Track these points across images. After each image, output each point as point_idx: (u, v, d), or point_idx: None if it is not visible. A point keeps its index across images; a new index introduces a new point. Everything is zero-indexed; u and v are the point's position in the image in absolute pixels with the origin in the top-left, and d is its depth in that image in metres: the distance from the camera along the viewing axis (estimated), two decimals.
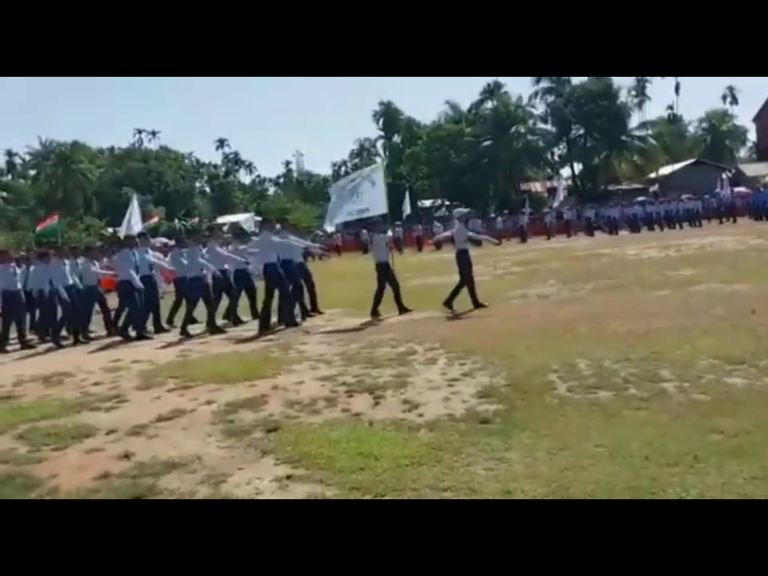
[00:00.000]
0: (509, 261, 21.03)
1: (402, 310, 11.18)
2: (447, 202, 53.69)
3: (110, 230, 44.90)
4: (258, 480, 4.26)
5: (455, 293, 10.94)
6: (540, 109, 56.01)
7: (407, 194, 28.85)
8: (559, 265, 18.10)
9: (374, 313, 11.09)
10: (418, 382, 6.44)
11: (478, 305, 10.84)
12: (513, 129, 53.49)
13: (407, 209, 24.27)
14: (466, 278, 10.99)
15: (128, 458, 4.91)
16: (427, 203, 54.65)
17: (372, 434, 4.92)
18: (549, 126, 55.86)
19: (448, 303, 10.84)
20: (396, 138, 62.53)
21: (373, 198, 11.89)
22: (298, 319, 11.29)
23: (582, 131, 54.52)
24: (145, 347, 10.37)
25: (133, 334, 11.39)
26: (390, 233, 12.13)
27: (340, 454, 4.52)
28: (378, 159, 70.09)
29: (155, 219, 40.08)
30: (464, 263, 11.08)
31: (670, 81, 67.77)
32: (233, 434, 5.27)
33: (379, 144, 68.82)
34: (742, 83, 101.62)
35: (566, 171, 56.49)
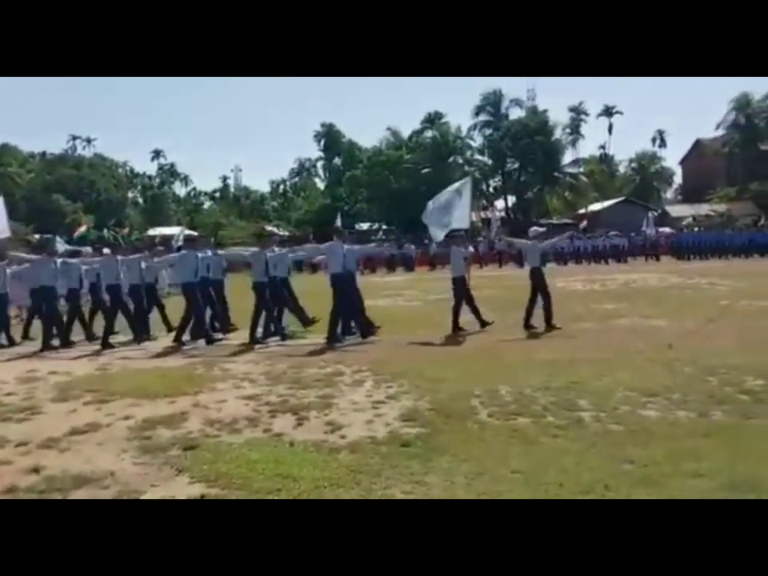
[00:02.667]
0: (441, 287, 21.25)
1: (483, 323, 11.04)
2: (385, 226, 54.01)
3: (37, 236, 43.43)
4: (171, 498, 4.14)
5: (547, 312, 10.78)
6: (478, 141, 57.30)
7: (339, 216, 29.01)
8: (490, 293, 18.39)
9: (456, 328, 10.91)
10: (343, 403, 6.42)
11: (551, 325, 10.65)
12: (451, 158, 54.43)
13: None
14: (542, 294, 10.90)
15: (37, 471, 4.73)
16: (365, 226, 54.85)
17: (292, 455, 4.87)
18: (485, 158, 57.10)
19: (526, 326, 10.74)
20: (336, 160, 62.72)
21: (458, 212, 11.85)
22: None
23: (516, 165, 55.89)
24: (64, 359, 10.03)
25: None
26: (471, 248, 12.01)
27: (258, 474, 4.45)
28: (318, 180, 70.39)
29: (83, 227, 38.97)
30: (538, 281, 10.99)
31: (604, 120, 70.50)
32: (148, 451, 5.14)
33: (320, 165, 68.94)
34: (671, 127, 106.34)
35: (500, 203, 57.67)
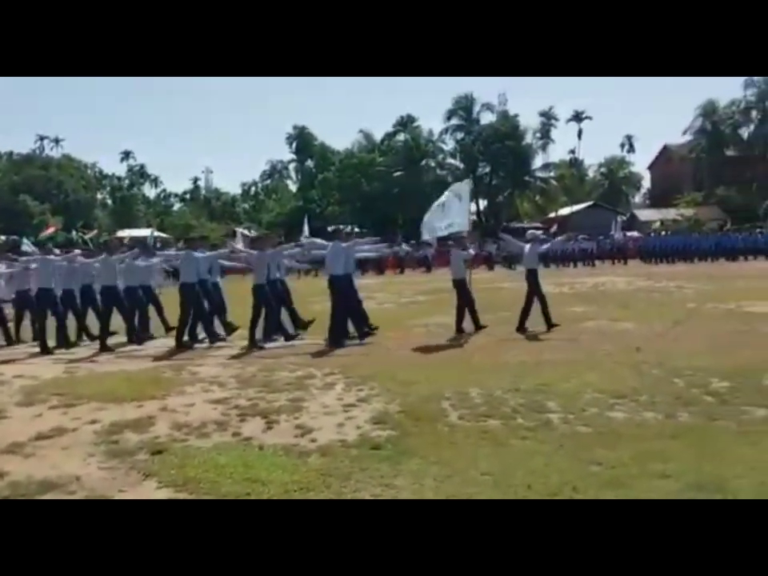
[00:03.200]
0: (413, 290, 21.34)
1: (478, 327, 11.00)
2: (357, 229, 54.02)
3: (2, 237, 42.66)
4: None
5: (545, 313, 10.82)
6: (450, 145, 57.63)
7: (306, 220, 28.93)
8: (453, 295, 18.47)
9: (459, 329, 10.93)
10: (314, 407, 6.39)
11: (551, 325, 10.71)
12: (423, 162, 54.69)
13: (305, 232, 24.41)
14: (537, 296, 10.92)
15: (1, 477, 4.65)
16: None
17: (261, 459, 4.83)
18: (457, 162, 57.40)
19: (521, 328, 10.76)
20: (309, 163, 62.56)
21: (458, 214, 11.80)
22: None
23: (488, 169, 56.30)
24: (32, 362, 9.88)
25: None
26: (471, 250, 11.98)
27: (226, 478, 4.41)
28: (290, 182, 70.08)
29: (51, 229, 38.37)
30: (534, 282, 11.01)
31: (573, 126, 71.29)
32: (115, 455, 5.07)
33: (292, 167, 68.69)
34: (639, 133, 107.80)
35: (471, 206, 58.05)
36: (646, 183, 70.35)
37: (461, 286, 11.27)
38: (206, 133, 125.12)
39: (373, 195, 52.36)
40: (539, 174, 57.49)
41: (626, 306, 13.76)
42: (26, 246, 23.00)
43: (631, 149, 73.69)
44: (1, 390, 7.77)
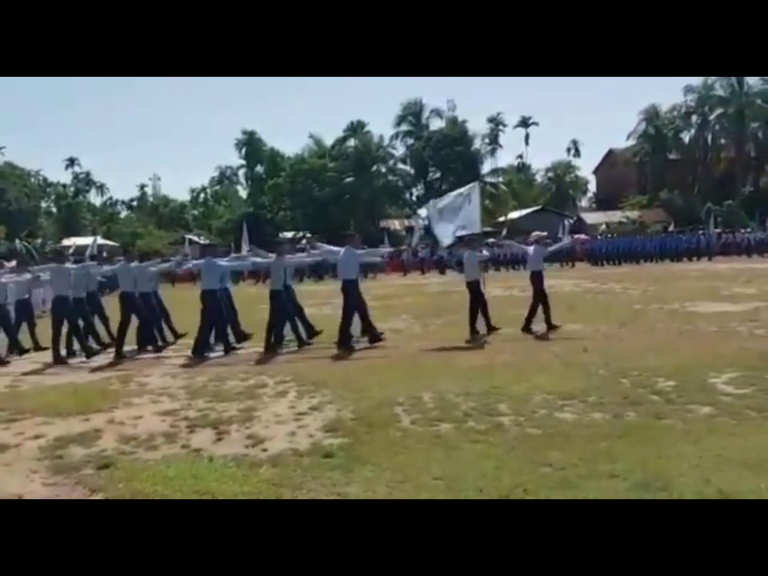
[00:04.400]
0: (365, 296, 21.30)
1: (491, 328, 10.94)
2: (309, 234, 53.80)
3: None
4: None
5: (531, 315, 10.92)
6: (400, 150, 57.85)
7: (245, 227, 28.59)
8: (413, 300, 18.57)
9: (473, 330, 10.84)
10: (265, 416, 6.33)
11: (528, 329, 10.86)
12: (374, 167, 54.75)
13: (245, 240, 24.23)
14: (540, 297, 10.98)
15: None
16: (289, 234, 54.43)
17: (211, 471, 4.75)
18: (408, 167, 57.67)
19: (526, 328, 10.83)
20: (259, 168, 62.03)
21: (469, 216, 11.72)
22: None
23: (438, 174, 56.71)
24: None
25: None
26: (485, 252, 11.87)
27: (175, 491, 4.33)
28: (240, 188, 69.34)
29: None
30: (538, 284, 11.07)
31: (521, 131, 72.37)
32: (60, 471, 4.94)
33: (241, 173, 67.99)
34: (584, 137, 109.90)
35: (423, 211, 58.27)
36: (592, 187, 71.75)
37: (475, 288, 11.23)
38: (153, 138, 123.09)
39: (324, 201, 52.19)
40: (488, 179, 58.10)
41: (573, 308, 13.98)
42: None
43: (577, 153, 75.21)
44: None
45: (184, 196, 75.96)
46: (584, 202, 72.62)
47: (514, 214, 57.26)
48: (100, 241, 45.01)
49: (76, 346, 11.02)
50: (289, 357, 9.90)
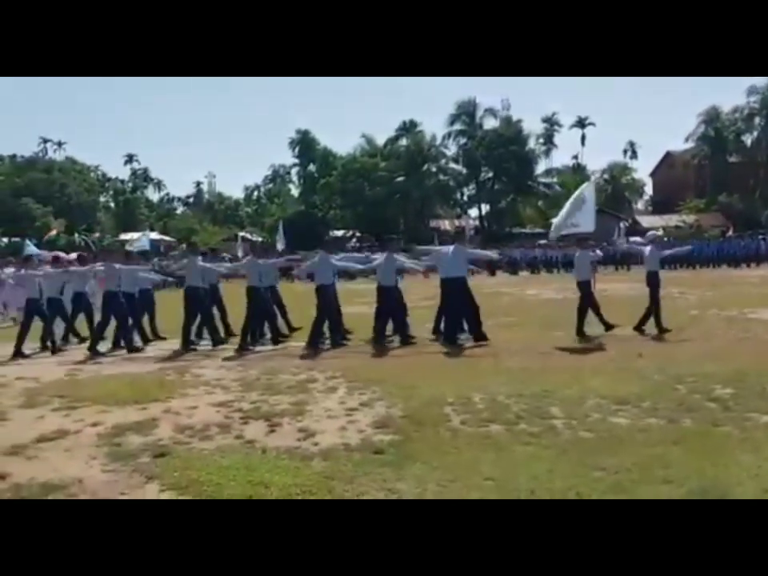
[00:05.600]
0: (418, 295, 21.29)
1: (608, 326, 10.85)
2: (359, 233, 54.08)
3: (5, 240, 42.79)
4: None
5: (646, 317, 10.84)
6: (452, 149, 57.58)
7: (281, 225, 28.62)
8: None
9: (580, 332, 10.80)
10: (316, 410, 6.39)
11: (661, 329, 10.72)
12: (425, 167, 54.68)
13: (281, 242, 24.30)
14: (655, 300, 10.89)
15: (3, 479, 4.65)
16: (339, 233, 54.83)
17: (264, 462, 4.83)
18: (460, 167, 57.41)
19: (639, 327, 10.80)
20: (311, 167, 62.62)
21: (583, 215, 11.72)
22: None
23: (491, 174, 56.29)
24: (33, 364, 9.89)
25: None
26: (599, 251, 11.93)
27: (229, 481, 4.41)
28: (292, 186, 70.05)
29: (54, 232, 38.45)
30: (654, 285, 11.01)
31: (576, 132, 71.34)
32: (118, 458, 5.07)
33: (294, 171, 68.76)
34: (641, 139, 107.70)
35: (473, 212, 58.02)
36: (649, 190, 70.36)
37: (585, 288, 11.10)
38: (210, 137, 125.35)
39: (375, 200, 52.36)
40: (542, 180, 57.48)
41: (628, 312, 13.70)
42: (30, 248, 23.07)
43: (634, 155, 73.74)
44: (2, 392, 7.77)
45: (238, 194, 77.36)
46: (640, 205, 71.22)
47: None
48: (155, 236, 46.10)
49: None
50: (337, 353, 9.96)
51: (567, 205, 12.02)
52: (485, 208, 58.03)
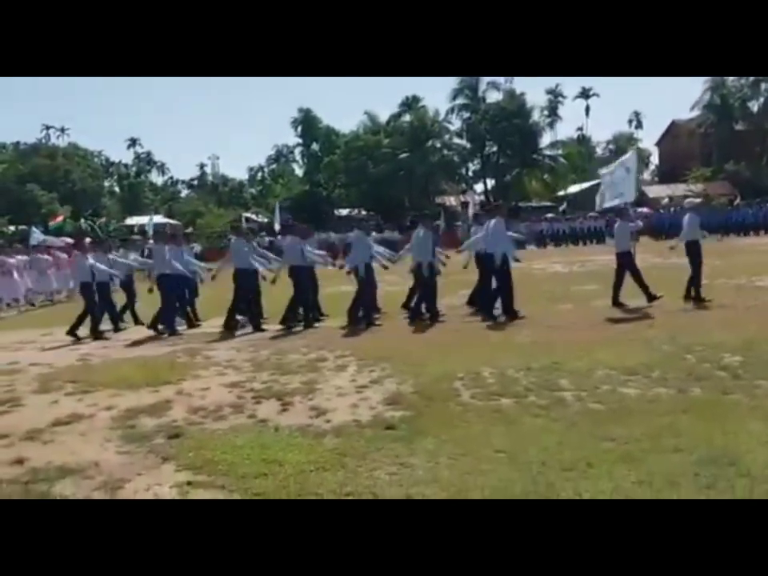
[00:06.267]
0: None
1: (651, 297, 10.79)
2: (364, 212, 53.96)
3: (12, 227, 42.87)
4: (158, 486, 4.16)
5: (691, 284, 10.85)
6: (456, 124, 57.02)
7: (277, 206, 28.52)
8: (470, 276, 18.45)
9: (616, 303, 10.81)
10: (327, 388, 6.45)
11: (699, 299, 10.74)
12: (429, 143, 54.24)
13: (278, 223, 24.14)
14: (697, 268, 10.88)
15: (21, 463, 4.72)
16: (344, 212, 54.70)
17: (277, 440, 4.89)
18: (464, 142, 56.93)
19: (687, 296, 10.78)
20: (314, 146, 62.34)
21: (625, 185, 11.72)
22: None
23: (495, 148, 55.82)
24: (45, 351, 9.99)
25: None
26: (639, 222, 11.94)
27: (243, 460, 4.47)
28: (296, 166, 69.83)
29: (60, 218, 38.48)
30: (695, 254, 10.95)
31: (581, 103, 70.75)
32: (133, 440, 5.14)
33: (297, 151, 68.48)
34: (646, 109, 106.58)
35: (479, 186, 57.73)
36: (655, 159, 69.87)
37: (625, 259, 11.03)
38: (212, 119, 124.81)
39: (379, 177, 52.09)
40: (547, 152, 56.98)
41: (635, 284, 13.68)
42: (36, 234, 23.16)
43: (639, 125, 73.37)
44: (17, 377, 7.86)
45: (242, 175, 77.21)
46: (646, 175, 70.77)
47: (575, 188, 56.16)
48: (160, 219, 46.15)
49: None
50: (347, 331, 10.01)
51: (609, 175, 11.97)
52: (490, 183, 57.69)
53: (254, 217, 49.15)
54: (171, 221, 49.79)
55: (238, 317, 11.07)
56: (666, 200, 48.64)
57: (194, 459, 4.58)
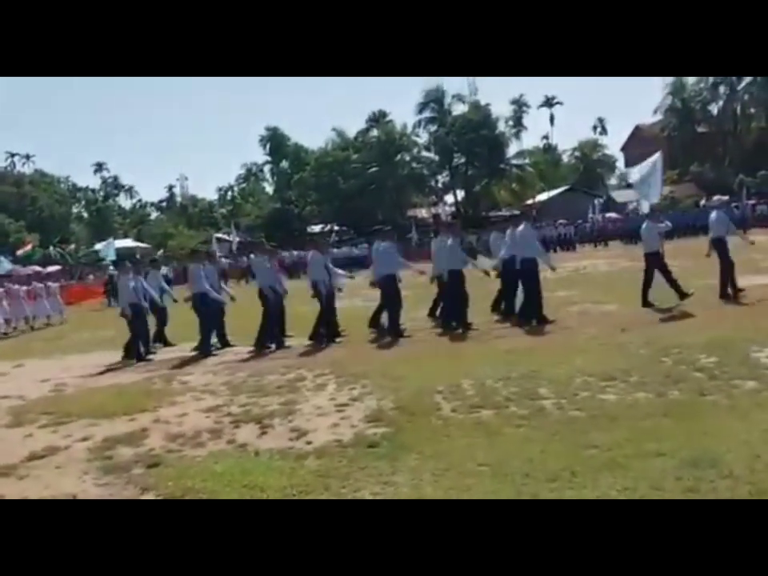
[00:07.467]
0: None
1: (683, 295, 10.70)
2: (337, 227, 53.95)
3: None
4: None
5: (725, 282, 10.76)
6: (424, 137, 57.46)
7: (233, 226, 28.40)
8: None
9: (645, 303, 10.76)
10: (307, 408, 6.38)
11: (726, 295, 10.68)
12: (398, 156, 54.52)
13: (235, 239, 23.94)
14: (728, 265, 10.80)
15: None
16: (317, 228, 54.65)
17: (258, 465, 4.82)
18: (432, 155, 57.28)
19: (724, 294, 10.70)
20: (284, 164, 62.28)
21: (652, 187, 11.78)
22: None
23: (463, 159, 56.19)
24: (15, 381, 9.78)
25: None
26: (668, 222, 12.21)
27: (224, 486, 4.40)
28: (266, 184, 69.68)
29: (29, 246, 37.99)
30: (723, 252, 10.87)
31: (545, 111, 71.61)
32: (110, 471, 5.04)
33: (267, 169, 68.36)
34: (610, 115, 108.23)
35: (449, 198, 58.04)
36: (621, 164, 70.79)
37: (654, 260, 10.98)
38: (179, 140, 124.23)
39: (350, 193, 52.16)
40: (514, 162, 57.50)
41: (609, 288, 13.83)
42: (5, 263, 22.80)
43: (603, 131, 74.33)
44: None
45: (212, 195, 76.81)
46: (613, 180, 71.61)
47: (543, 196, 56.71)
48: (129, 243, 45.61)
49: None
50: (326, 350, 9.94)
51: (640, 176, 12.13)
52: (460, 194, 58.05)
53: (225, 237, 48.85)
54: (141, 244, 49.30)
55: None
56: (634, 205, 49.29)
57: (173, 488, 4.49)
